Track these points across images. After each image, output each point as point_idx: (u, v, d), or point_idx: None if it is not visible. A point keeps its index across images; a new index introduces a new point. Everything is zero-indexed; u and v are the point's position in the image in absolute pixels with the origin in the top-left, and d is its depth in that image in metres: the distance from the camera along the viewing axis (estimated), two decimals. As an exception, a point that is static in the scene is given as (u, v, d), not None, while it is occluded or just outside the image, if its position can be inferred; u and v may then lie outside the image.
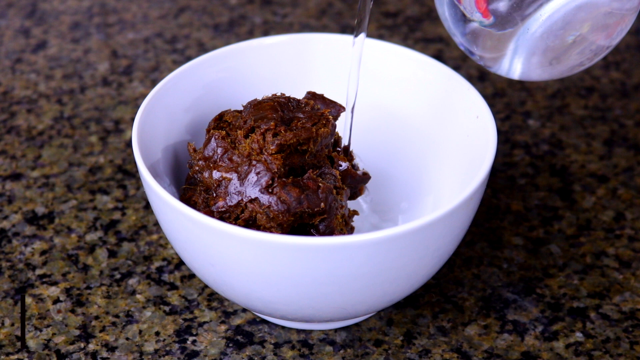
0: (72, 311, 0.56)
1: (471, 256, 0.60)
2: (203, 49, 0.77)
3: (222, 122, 0.54)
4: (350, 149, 0.56)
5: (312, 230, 0.52)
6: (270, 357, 0.54)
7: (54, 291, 0.57)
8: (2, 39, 0.78)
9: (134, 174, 0.65)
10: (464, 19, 0.50)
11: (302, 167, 0.53)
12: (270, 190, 0.51)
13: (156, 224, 0.62)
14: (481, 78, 0.74)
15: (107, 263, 0.59)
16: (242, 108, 0.55)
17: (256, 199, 0.51)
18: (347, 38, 0.60)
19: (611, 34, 0.49)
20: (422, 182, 0.60)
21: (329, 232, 0.52)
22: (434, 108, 0.59)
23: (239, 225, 0.51)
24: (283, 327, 0.55)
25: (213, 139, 0.53)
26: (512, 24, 0.49)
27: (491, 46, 0.50)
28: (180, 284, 0.58)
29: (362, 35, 0.55)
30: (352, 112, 0.57)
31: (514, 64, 0.50)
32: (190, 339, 0.55)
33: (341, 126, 0.57)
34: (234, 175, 0.52)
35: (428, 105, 0.60)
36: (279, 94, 0.55)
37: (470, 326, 0.56)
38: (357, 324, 0.56)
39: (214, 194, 0.52)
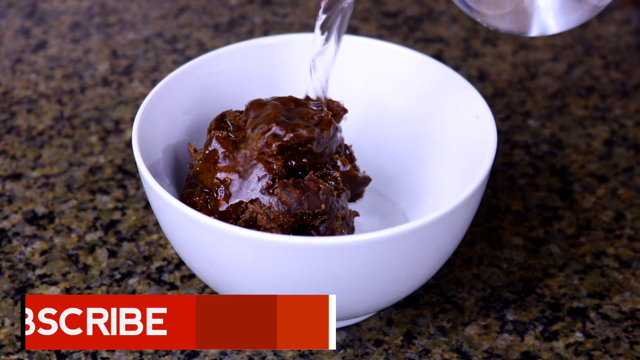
0: (72, 311, 0.56)
1: (471, 256, 0.60)
2: (203, 49, 0.77)
3: (223, 123, 0.54)
4: (351, 147, 0.56)
5: (312, 231, 0.52)
6: (270, 357, 0.54)
7: (54, 291, 0.57)
8: (2, 39, 0.78)
9: (134, 174, 0.65)
10: None
11: (303, 168, 0.53)
12: (270, 191, 0.51)
13: (156, 224, 0.62)
14: (481, 78, 0.74)
15: (107, 263, 0.59)
16: (243, 108, 0.55)
17: (257, 199, 0.51)
18: (347, 38, 0.60)
19: None
20: (422, 182, 0.60)
21: (329, 233, 0.52)
22: (434, 108, 0.59)
23: (239, 225, 0.51)
24: (283, 327, 0.55)
25: (214, 139, 0.53)
26: None
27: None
28: (180, 284, 0.58)
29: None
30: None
31: (529, 17, 0.48)
32: (191, 339, 0.55)
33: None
34: (235, 176, 0.52)
35: (428, 105, 0.60)
36: (279, 94, 0.55)
37: (470, 326, 0.56)
38: (357, 324, 0.56)
39: (215, 195, 0.52)
